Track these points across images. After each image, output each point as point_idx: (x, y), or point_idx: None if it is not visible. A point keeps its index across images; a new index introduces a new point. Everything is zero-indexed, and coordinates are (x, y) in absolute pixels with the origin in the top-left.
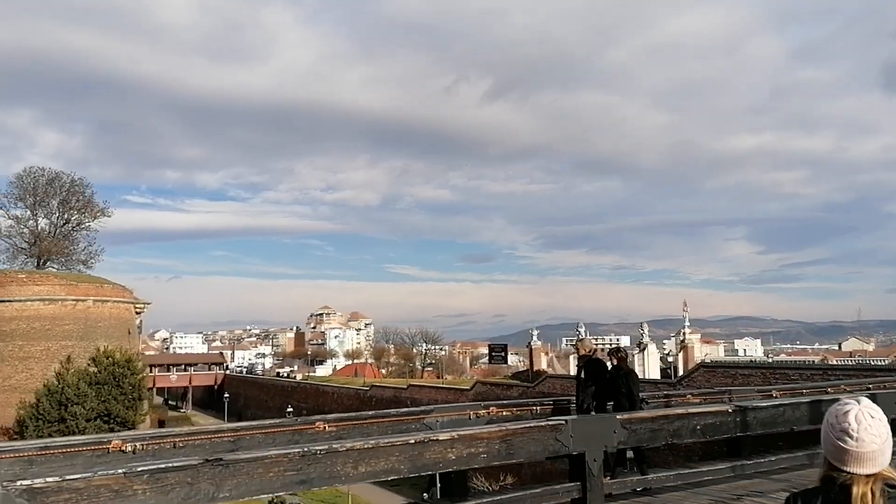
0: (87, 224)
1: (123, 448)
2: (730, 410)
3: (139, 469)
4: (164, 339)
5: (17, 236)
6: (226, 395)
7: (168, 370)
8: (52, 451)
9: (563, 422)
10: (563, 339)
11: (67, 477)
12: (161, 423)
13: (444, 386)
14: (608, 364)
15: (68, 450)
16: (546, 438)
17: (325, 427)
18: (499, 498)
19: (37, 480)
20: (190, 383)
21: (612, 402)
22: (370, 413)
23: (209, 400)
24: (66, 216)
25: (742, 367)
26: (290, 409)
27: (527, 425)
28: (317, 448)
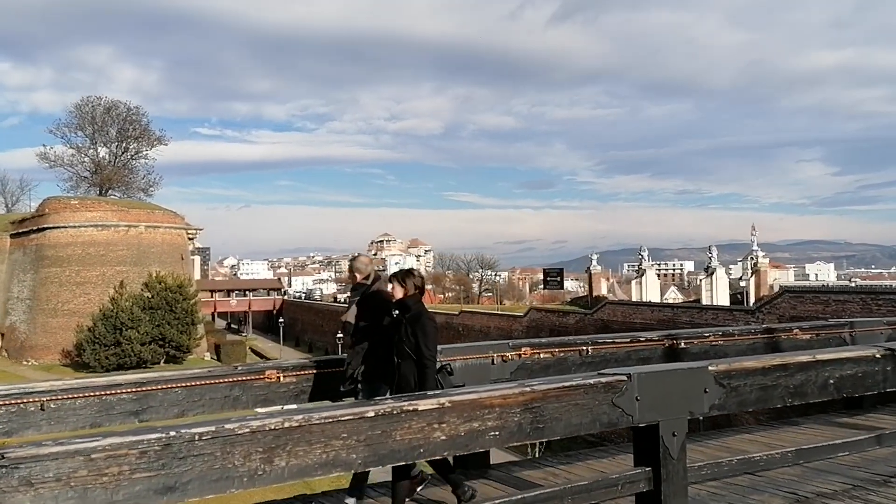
0: (144, 153)
1: None
2: (877, 356)
3: None
4: (233, 266)
5: (78, 165)
6: (280, 319)
7: (228, 295)
8: None
9: (625, 377)
10: (625, 265)
11: None
12: (217, 348)
13: (496, 312)
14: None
15: None
16: (597, 403)
17: (279, 377)
18: (525, 496)
19: None
20: (249, 308)
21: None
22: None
23: (269, 325)
24: (124, 145)
25: (836, 293)
26: (340, 335)
27: (565, 384)
28: (195, 431)
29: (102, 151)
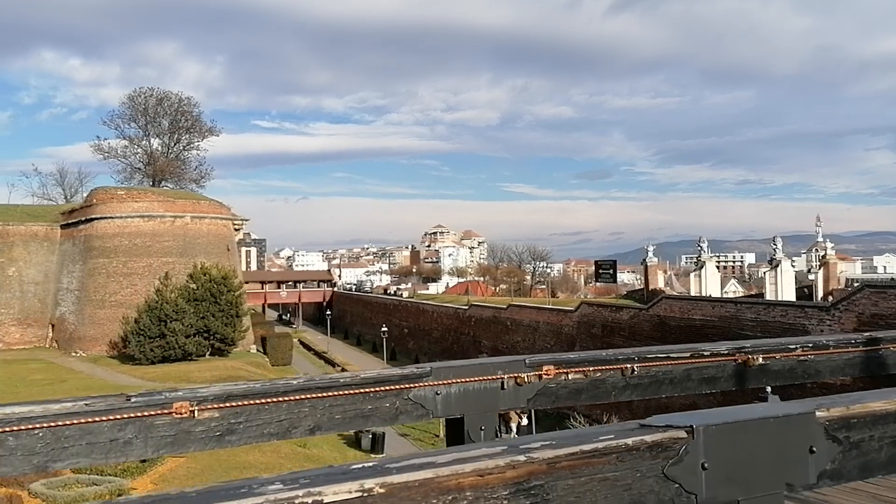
0: (196, 144)
1: None
2: None
3: None
4: (288, 258)
5: (132, 156)
6: (328, 312)
7: (279, 287)
8: None
9: (683, 432)
10: (683, 257)
11: None
12: (263, 340)
13: (545, 307)
14: None
15: None
16: (638, 476)
17: (192, 413)
18: None
19: None
20: (299, 300)
21: None
22: (296, 383)
23: (320, 316)
24: (176, 136)
25: None
26: (384, 329)
27: (585, 447)
28: None
29: (155, 143)
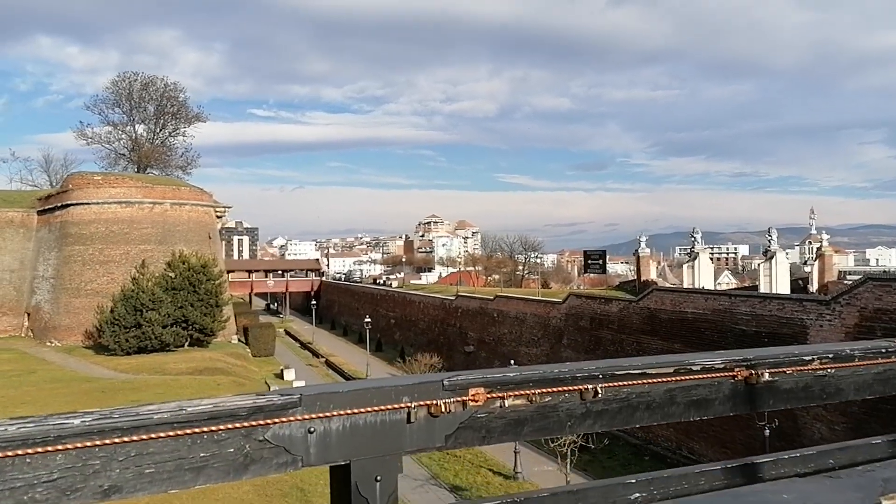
0: (182, 130)
1: None
2: None
3: None
4: (281, 247)
5: (116, 142)
6: (313, 302)
7: (266, 276)
8: None
9: None
10: (677, 248)
11: None
12: (246, 331)
13: (533, 298)
14: None
15: None
16: None
17: None
18: None
19: None
20: (287, 289)
21: None
22: (78, 423)
23: (308, 306)
24: (161, 122)
25: None
26: (368, 320)
27: None
28: None
29: (140, 128)
